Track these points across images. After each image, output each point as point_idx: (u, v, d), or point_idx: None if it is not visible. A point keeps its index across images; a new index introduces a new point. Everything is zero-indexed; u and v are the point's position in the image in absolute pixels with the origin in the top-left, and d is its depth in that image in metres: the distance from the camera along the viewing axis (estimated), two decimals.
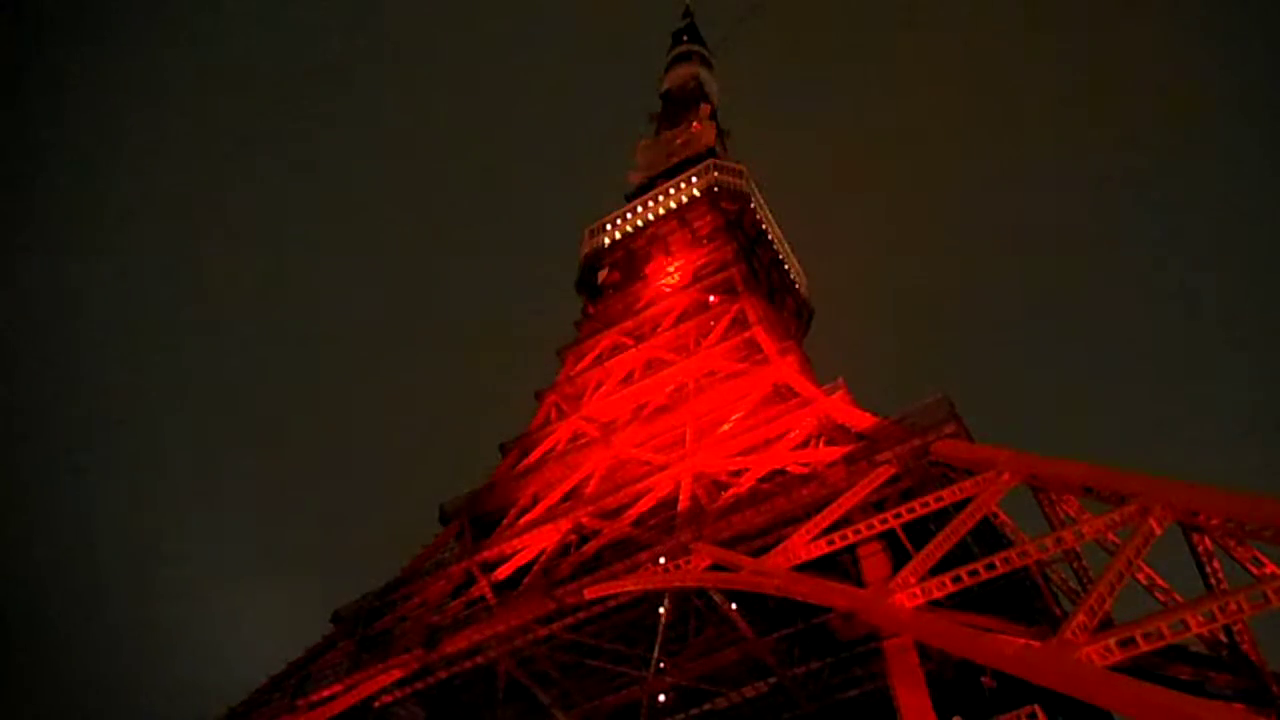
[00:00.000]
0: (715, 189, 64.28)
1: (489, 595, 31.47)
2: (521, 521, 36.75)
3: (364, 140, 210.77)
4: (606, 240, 67.19)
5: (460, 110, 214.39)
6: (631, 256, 65.44)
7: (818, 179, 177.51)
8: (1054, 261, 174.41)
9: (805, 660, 29.49)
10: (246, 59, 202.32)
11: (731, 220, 63.27)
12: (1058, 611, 23.78)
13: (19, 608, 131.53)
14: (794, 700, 29.99)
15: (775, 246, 65.74)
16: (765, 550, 24.67)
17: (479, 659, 30.02)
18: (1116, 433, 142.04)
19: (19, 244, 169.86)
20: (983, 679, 23.64)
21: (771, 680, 29.89)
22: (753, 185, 66.04)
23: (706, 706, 31.08)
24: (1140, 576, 19.44)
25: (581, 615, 28.88)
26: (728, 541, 26.71)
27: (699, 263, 58.18)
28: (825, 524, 23.93)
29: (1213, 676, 19.33)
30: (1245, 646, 18.78)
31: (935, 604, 19.53)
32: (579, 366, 52.01)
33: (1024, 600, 23.96)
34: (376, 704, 30.83)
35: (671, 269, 60.45)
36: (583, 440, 42.55)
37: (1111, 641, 15.35)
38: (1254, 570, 17.51)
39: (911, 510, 23.19)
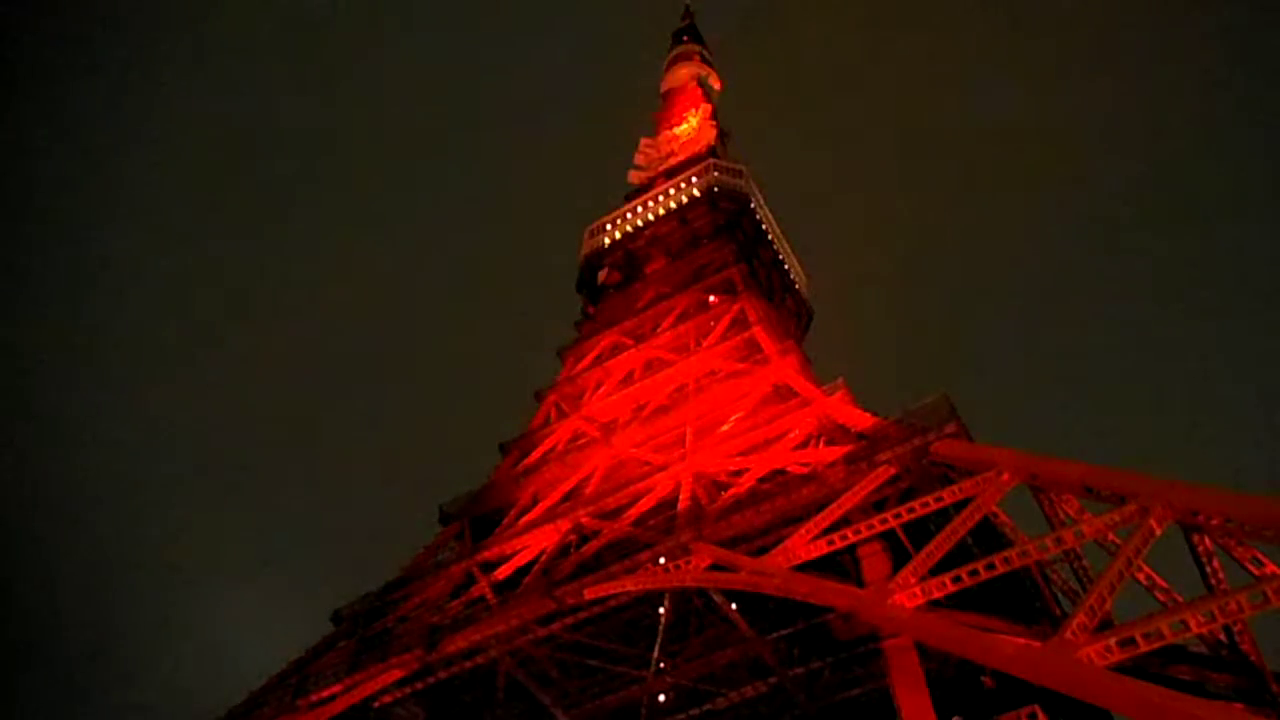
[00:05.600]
0: (715, 189, 64.23)
1: (489, 595, 31.44)
2: (521, 522, 36.74)
3: (363, 140, 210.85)
4: (606, 240, 67.12)
5: (460, 110, 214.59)
6: (631, 257, 65.39)
7: (818, 179, 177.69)
8: (1054, 262, 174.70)
9: (805, 660, 29.50)
10: (247, 59, 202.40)
11: (731, 220, 63.19)
12: (1058, 611, 23.78)
13: (20, 608, 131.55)
14: (794, 700, 29.99)
15: (775, 246, 65.67)
16: (765, 550, 24.67)
17: (479, 659, 30.01)
18: (1116, 433, 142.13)
19: (20, 244, 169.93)
20: (983, 679, 23.66)
21: (771, 680, 29.89)
22: (752, 185, 65.97)
23: (706, 706, 31.07)
24: (1140, 576, 19.43)
25: (581, 615, 28.87)
26: (728, 541, 26.69)
27: (699, 263, 58.16)
28: (825, 524, 23.92)
29: (1213, 676, 19.31)
30: (1245, 646, 18.76)
31: (935, 604, 19.52)
32: (579, 367, 51.99)
33: (1024, 600, 23.96)
34: (376, 704, 30.81)
35: (671, 270, 60.48)
36: (583, 440, 42.54)
37: (1111, 641, 15.35)
38: (1254, 570, 17.51)
39: (911, 510, 23.18)
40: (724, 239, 60.48)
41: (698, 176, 66.16)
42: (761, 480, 30.27)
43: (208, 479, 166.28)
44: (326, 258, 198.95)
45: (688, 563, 25.73)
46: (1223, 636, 19.16)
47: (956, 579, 18.96)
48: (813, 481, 27.33)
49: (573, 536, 32.96)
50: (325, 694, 30.15)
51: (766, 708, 30.68)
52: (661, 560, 26.99)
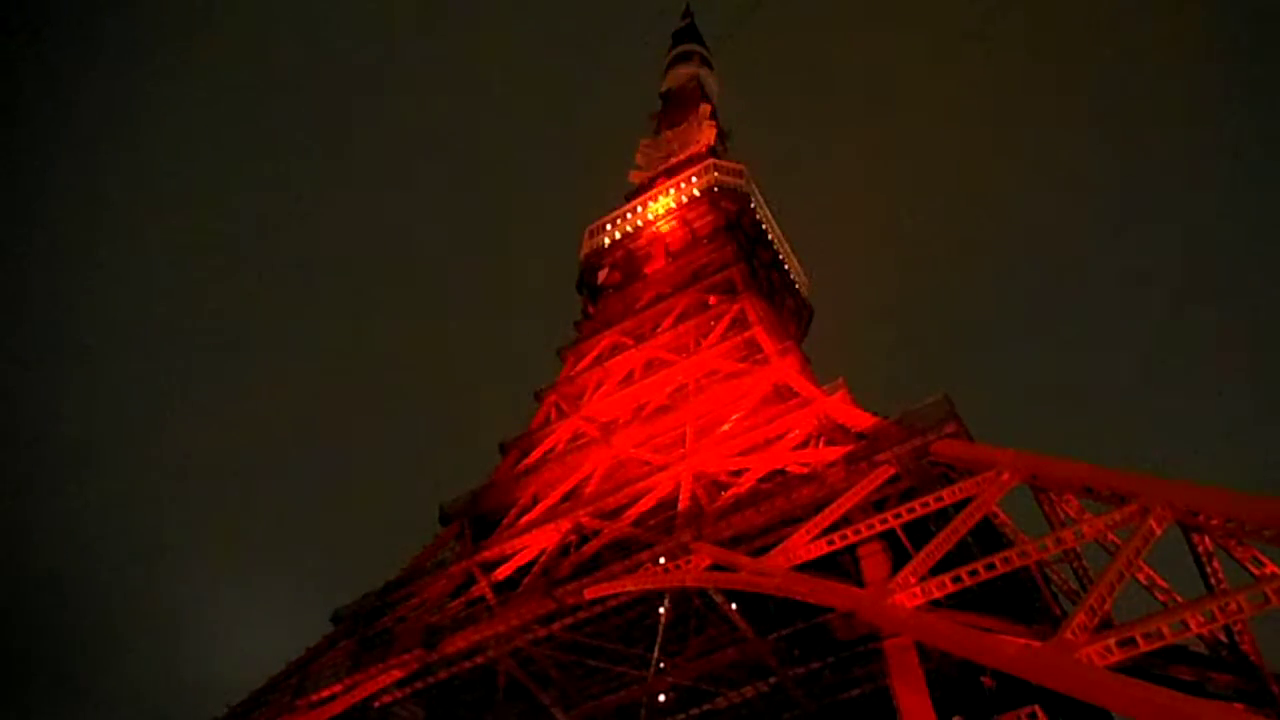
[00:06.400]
0: (715, 189, 64.24)
1: (489, 595, 31.45)
2: (521, 521, 36.74)
3: (364, 140, 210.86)
4: (606, 240, 67.15)
5: (461, 110, 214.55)
6: (631, 256, 65.40)
7: (818, 179, 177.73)
8: (1054, 261, 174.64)
9: (805, 660, 29.48)
10: (248, 59, 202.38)
11: (731, 220, 63.22)
12: (1058, 611, 23.78)
13: (20, 608, 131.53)
14: (794, 700, 29.99)
15: (775, 246, 65.70)
16: (765, 550, 24.65)
17: (479, 659, 30.02)
18: (1116, 433, 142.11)
19: (21, 246, 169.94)
20: (983, 679, 23.65)
21: (771, 680, 29.88)
22: (753, 185, 66.00)
23: (706, 706, 31.07)
24: (1140, 576, 19.43)
25: (581, 615, 28.87)
26: (728, 541, 26.69)
27: (699, 263, 58.16)
28: (825, 524, 23.91)
29: (1213, 676, 19.31)
30: (1245, 646, 18.77)
31: (935, 604, 19.52)
32: (579, 366, 51.99)
33: (1024, 600, 23.95)
34: (376, 704, 30.83)
35: (671, 270, 60.46)
36: (583, 440, 42.53)
37: (1111, 641, 15.33)
38: (1254, 570, 17.49)
39: (911, 510, 23.16)
40: (724, 239, 60.48)
41: (698, 176, 66.19)
42: (761, 480, 30.26)
43: (207, 479, 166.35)
44: (326, 257, 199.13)
45: (688, 563, 25.72)
46: (1223, 636, 19.16)
47: (956, 579, 18.94)
48: (813, 481, 27.32)
49: (573, 536, 32.95)
50: (325, 694, 30.16)
51: (766, 708, 30.67)
52: (661, 560, 26.99)
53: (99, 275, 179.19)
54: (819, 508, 25.10)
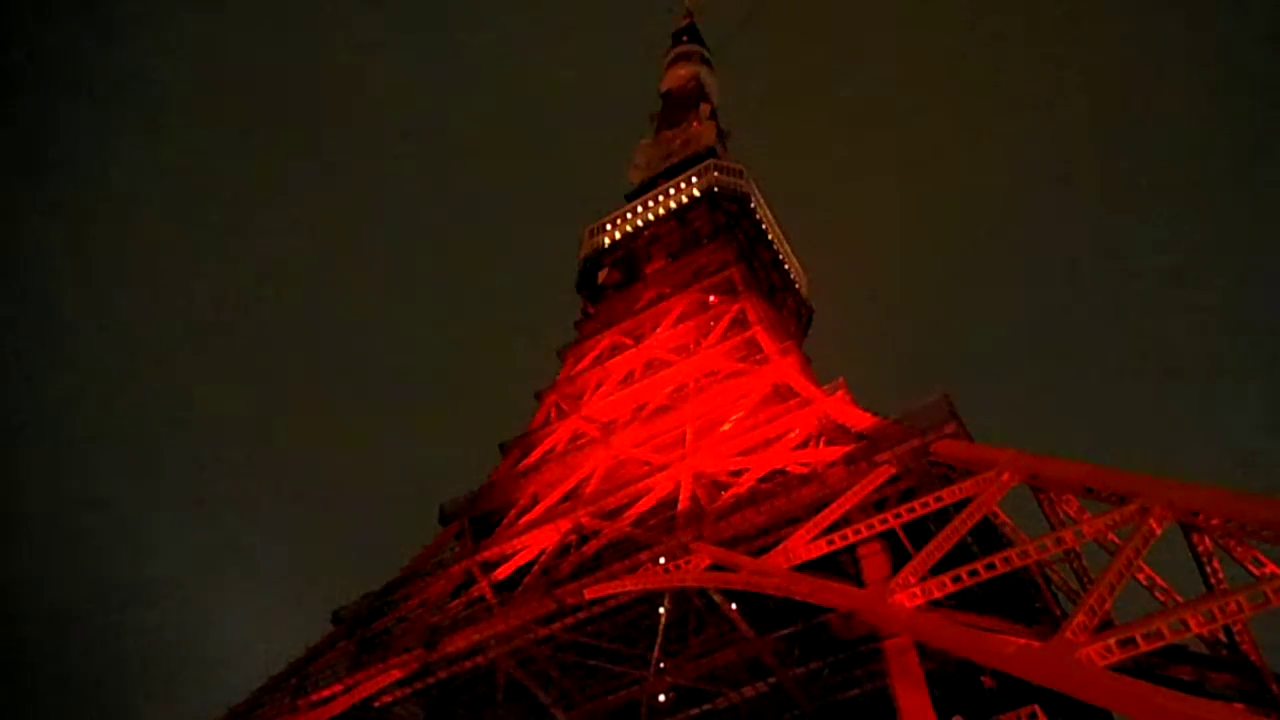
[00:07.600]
0: (715, 189, 64.23)
1: (489, 595, 31.48)
2: (521, 522, 36.76)
3: (363, 140, 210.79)
4: (606, 240, 67.14)
5: (461, 110, 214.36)
6: (631, 256, 65.43)
7: (818, 178, 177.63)
8: (1055, 261, 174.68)
9: (805, 660, 29.51)
10: (246, 59, 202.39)
11: (731, 220, 63.22)
12: (1058, 611, 23.80)
13: (20, 608, 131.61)
14: (794, 700, 30.00)
15: (775, 246, 65.70)
16: (765, 550, 24.68)
17: (479, 659, 30.05)
18: (1116, 433, 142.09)
19: (21, 245, 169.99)
20: (983, 679, 23.68)
21: (771, 680, 29.89)
22: (752, 185, 65.96)
23: (706, 706, 31.10)
24: (1140, 576, 19.44)
25: (581, 615, 28.88)
26: (728, 541, 26.72)
27: (699, 263, 58.17)
28: (825, 524, 23.93)
29: (1213, 676, 19.35)
30: (1245, 646, 18.79)
31: (935, 604, 19.53)
32: (579, 366, 52.02)
33: (1024, 600, 23.98)
34: (376, 704, 30.85)
35: (671, 270, 60.53)
36: (583, 440, 42.56)
37: (1111, 641, 15.34)
38: (1254, 570, 17.52)
39: (911, 510, 23.18)
40: (724, 239, 60.49)
41: (698, 176, 66.15)
42: (761, 480, 30.29)
43: (208, 480, 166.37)
44: (326, 257, 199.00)
45: (688, 563, 25.74)
46: (1223, 636, 19.19)
47: (956, 579, 18.96)
48: (813, 481, 27.34)
49: (573, 536, 32.97)
50: (325, 694, 30.20)
51: (766, 708, 30.68)
52: (661, 560, 27.02)
53: (94, 281, 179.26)
54: (819, 508, 25.12)
